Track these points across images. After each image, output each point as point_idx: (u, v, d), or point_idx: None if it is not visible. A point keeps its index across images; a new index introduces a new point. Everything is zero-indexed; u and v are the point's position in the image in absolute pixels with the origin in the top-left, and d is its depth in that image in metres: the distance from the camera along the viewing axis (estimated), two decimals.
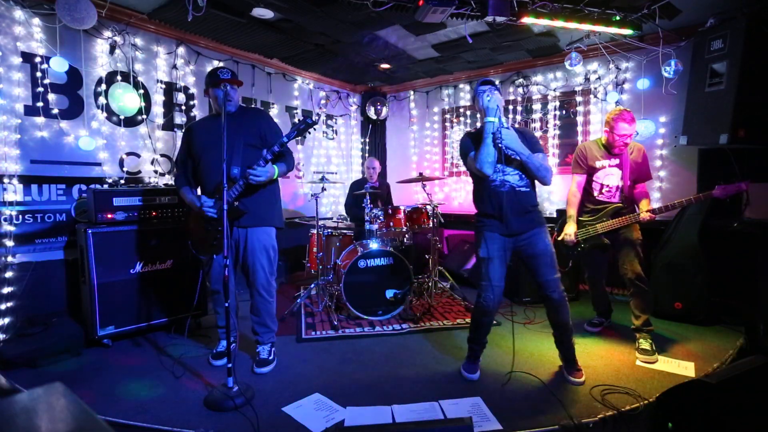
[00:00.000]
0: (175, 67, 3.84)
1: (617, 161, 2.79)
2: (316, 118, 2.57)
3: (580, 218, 2.94)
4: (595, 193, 2.87)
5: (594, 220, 2.86)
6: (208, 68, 4.11)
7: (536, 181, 2.33)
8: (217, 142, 2.24)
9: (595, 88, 4.38)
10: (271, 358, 2.58)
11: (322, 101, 5.44)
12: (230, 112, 2.48)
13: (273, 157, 2.38)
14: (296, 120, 5.05)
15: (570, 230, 2.90)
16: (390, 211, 3.84)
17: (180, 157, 2.65)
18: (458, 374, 2.46)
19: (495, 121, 2.15)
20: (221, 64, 4.16)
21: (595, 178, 2.86)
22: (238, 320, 2.75)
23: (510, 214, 2.24)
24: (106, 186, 3.31)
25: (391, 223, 3.83)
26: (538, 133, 4.84)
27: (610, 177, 2.81)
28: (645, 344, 2.67)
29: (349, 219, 4.60)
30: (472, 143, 2.32)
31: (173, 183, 3.68)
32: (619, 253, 2.79)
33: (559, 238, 2.98)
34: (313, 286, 3.88)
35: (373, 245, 3.51)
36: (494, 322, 3.35)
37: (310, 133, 2.47)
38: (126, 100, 3.45)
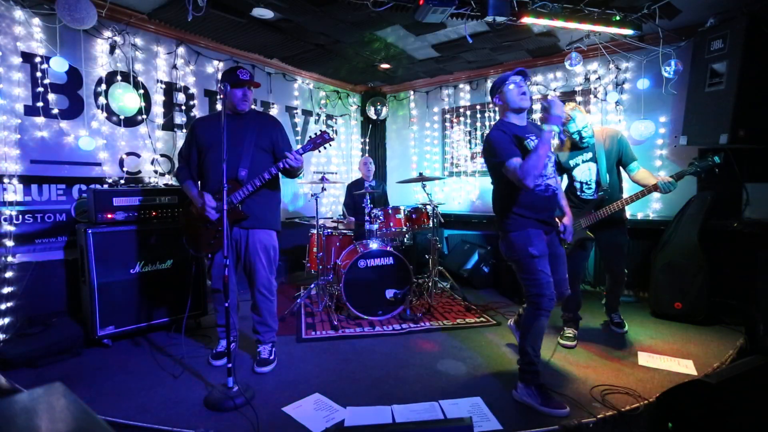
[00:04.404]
0: (175, 67, 3.84)
1: (590, 155, 2.84)
2: (333, 135, 2.63)
3: None
4: (578, 193, 2.93)
5: (577, 215, 2.82)
6: (208, 68, 4.13)
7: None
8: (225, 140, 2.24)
9: (595, 88, 4.38)
10: (272, 357, 2.58)
11: (322, 101, 5.44)
12: (244, 111, 2.53)
13: (282, 169, 2.45)
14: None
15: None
16: (390, 211, 3.84)
17: (184, 150, 2.64)
18: (458, 374, 2.46)
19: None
20: (221, 65, 4.16)
21: (574, 176, 2.91)
22: (239, 320, 2.76)
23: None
24: (106, 186, 3.32)
25: (391, 223, 3.82)
26: None
27: (585, 173, 2.87)
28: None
29: (347, 214, 4.61)
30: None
31: (174, 179, 3.68)
32: (604, 252, 3.00)
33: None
34: (313, 286, 3.88)
35: (373, 245, 3.51)
36: (494, 322, 3.37)
37: (326, 148, 2.55)
38: (126, 100, 3.45)
